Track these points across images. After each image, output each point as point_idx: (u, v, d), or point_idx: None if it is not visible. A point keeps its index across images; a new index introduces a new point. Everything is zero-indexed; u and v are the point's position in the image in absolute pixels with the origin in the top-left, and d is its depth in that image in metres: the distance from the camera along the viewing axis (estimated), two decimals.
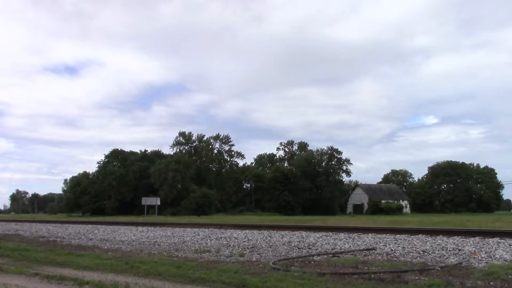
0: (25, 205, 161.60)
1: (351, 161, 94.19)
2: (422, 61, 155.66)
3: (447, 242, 10.23)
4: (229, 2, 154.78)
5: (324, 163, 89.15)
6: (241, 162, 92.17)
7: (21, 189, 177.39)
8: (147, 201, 33.91)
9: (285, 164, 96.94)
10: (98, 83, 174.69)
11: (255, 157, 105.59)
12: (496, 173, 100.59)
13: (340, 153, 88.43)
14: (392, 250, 9.41)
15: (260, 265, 7.69)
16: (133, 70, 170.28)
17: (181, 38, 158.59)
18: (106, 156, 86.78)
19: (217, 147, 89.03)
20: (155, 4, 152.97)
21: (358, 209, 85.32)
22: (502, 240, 10.09)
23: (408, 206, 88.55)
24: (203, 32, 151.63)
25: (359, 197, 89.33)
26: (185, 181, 72.66)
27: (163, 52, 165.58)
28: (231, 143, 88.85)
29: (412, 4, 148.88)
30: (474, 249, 8.94)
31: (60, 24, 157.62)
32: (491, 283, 5.75)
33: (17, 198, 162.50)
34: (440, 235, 11.62)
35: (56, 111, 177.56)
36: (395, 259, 8.21)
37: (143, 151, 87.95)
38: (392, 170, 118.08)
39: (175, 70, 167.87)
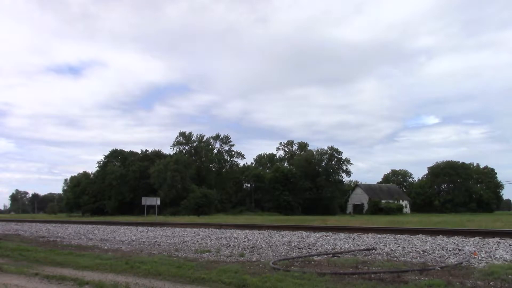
0: (25, 205, 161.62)
1: (352, 161, 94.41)
2: (425, 61, 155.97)
3: (447, 242, 10.23)
4: (234, 4, 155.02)
5: (324, 163, 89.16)
6: (241, 162, 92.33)
7: (22, 189, 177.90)
8: (147, 201, 33.83)
9: (285, 164, 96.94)
10: (101, 84, 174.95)
11: (255, 157, 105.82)
12: (496, 173, 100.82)
13: (340, 153, 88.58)
14: (392, 250, 9.41)
15: (260, 265, 7.69)
16: (136, 70, 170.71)
17: (185, 39, 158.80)
18: (106, 156, 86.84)
19: (217, 147, 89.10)
20: (160, 6, 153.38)
21: (358, 209, 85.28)
22: (502, 240, 10.09)
23: (408, 206, 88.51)
24: (207, 33, 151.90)
25: (359, 197, 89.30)
26: (184, 181, 72.63)
27: (166, 53, 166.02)
28: (231, 143, 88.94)
29: (415, 4, 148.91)
30: (474, 249, 8.94)
31: (65, 25, 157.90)
32: (491, 283, 5.75)
33: (17, 198, 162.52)
34: (440, 235, 11.62)
35: (58, 111, 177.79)
36: (395, 259, 8.21)
37: (143, 151, 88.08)
38: (392, 170, 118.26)
39: (178, 71, 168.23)
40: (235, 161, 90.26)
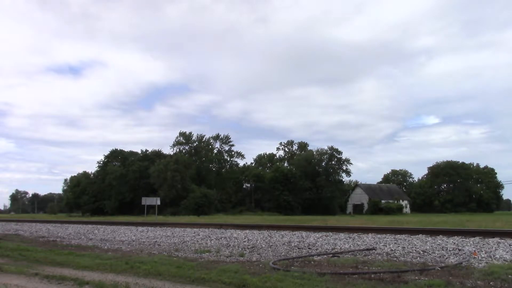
0: (25, 205, 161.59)
1: (352, 161, 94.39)
2: (425, 61, 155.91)
3: (447, 242, 10.23)
4: (235, 4, 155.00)
5: (324, 163, 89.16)
6: (241, 162, 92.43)
7: (22, 189, 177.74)
8: (147, 201, 33.83)
9: (285, 164, 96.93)
10: (101, 84, 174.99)
11: (255, 157, 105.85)
12: (496, 173, 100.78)
13: (340, 153, 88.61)
14: (392, 250, 9.40)
15: (260, 265, 7.69)
16: (136, 70, 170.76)
17: (185, 39, 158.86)
18: (106, 156, 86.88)
19: (217, 147, 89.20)
20: (160, 6, 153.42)
21: (358, 209, 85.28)
22: (502, 240, 10.09)
23: (408, 206, 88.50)
24: (207, 33, 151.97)
25: (359, 197, 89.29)
26: (184, 181, 72.63)
27: (166, 53, 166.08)
28: (231, 143, 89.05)
29: (416, 5, 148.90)
30: (474, 249, 8.93)
31: (65, 25, 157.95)
32: (491, 283, 5.75)
33: (17, 198, 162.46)
34: (440, 235, 11.62)
35: (58, 111, 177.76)
36: (395, 259, 8.21)
37: (143, 151, 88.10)
38: (392, 170, 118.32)
39: (178, 71, 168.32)
40: (235, 161, 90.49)
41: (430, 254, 8.67)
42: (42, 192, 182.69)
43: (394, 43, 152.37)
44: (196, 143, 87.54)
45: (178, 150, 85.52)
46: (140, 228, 18.67)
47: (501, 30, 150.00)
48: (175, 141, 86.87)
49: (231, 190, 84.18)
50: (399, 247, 9.67)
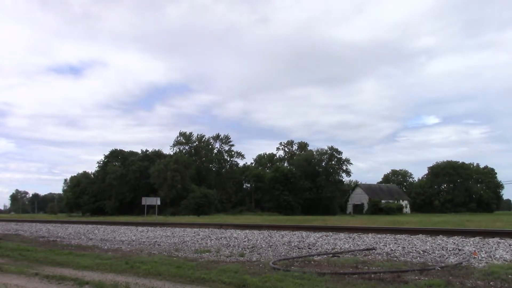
0: (25, 205, 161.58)
1: (352, 161, 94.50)
2: (426, 61, 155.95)
3: (447, 242, 10.22)
4: (235, 4, 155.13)
5: (324, 163, 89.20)
6: (241, 162, 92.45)
7: (22, 189, 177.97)
8: (147, 201, 33.82)
9: (285, 164, 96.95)
10: (101, 84, 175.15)
11: (255, 157, 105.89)
12: (496, 173, 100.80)
13: (340, 153, 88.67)
14: (392, 250, 9.40)
15: (260, 265, 7.69)
16: (136, 70, 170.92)
17: (186, 39, 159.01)
18: (106, 156, 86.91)
19: (217, 147, 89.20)
20: (161, 6, 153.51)
21: (358, 209, 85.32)
22: (502, 240, 10.09)
23: (408, 206, 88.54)
24: (207, 33, 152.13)
25: (359, 197, 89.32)
26: (184, 181, 72.63)
27: (167, 53, 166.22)
28: (231, 143, 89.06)
29: (415, 4, 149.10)
30: (474, 249, 8.93)
31: (66, 25, 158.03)
32: (491, 283, 5.75)
33: (17, 198, 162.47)
34: (440, 235, 11.62)
35: (59, 111, 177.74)
36: (395, 259, 8.21)
37: (144, 151, 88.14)
38: (392, 170, 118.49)
39: (178, 71, 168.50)
40: (235, 161, 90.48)
41: (430, 254, 8.67)
42: (42, 192, 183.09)
43: (394, 43, 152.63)
44: (196, 143, 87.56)
45: (178, 150, 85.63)
46: (140, 228, 18.67)
47: (501, 30, 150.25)
48: (175, 141, 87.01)
49: (231, 190, 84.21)
50: (399, 247, 9.66)
